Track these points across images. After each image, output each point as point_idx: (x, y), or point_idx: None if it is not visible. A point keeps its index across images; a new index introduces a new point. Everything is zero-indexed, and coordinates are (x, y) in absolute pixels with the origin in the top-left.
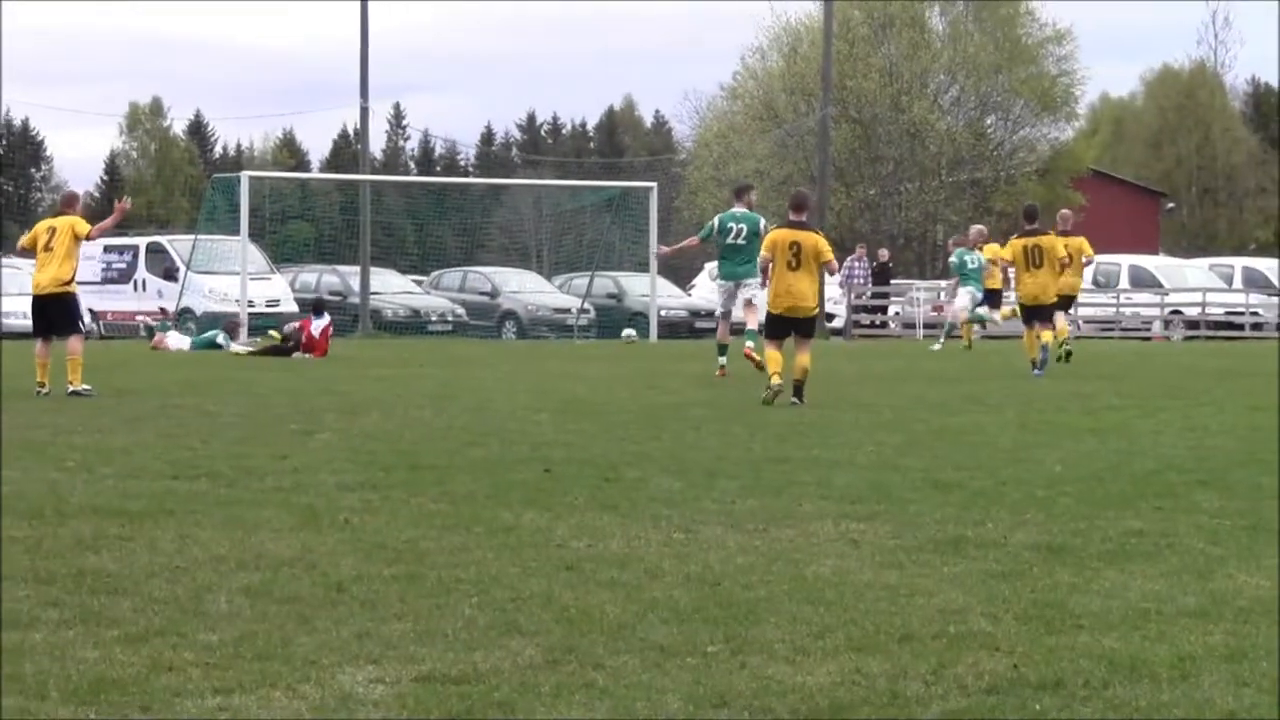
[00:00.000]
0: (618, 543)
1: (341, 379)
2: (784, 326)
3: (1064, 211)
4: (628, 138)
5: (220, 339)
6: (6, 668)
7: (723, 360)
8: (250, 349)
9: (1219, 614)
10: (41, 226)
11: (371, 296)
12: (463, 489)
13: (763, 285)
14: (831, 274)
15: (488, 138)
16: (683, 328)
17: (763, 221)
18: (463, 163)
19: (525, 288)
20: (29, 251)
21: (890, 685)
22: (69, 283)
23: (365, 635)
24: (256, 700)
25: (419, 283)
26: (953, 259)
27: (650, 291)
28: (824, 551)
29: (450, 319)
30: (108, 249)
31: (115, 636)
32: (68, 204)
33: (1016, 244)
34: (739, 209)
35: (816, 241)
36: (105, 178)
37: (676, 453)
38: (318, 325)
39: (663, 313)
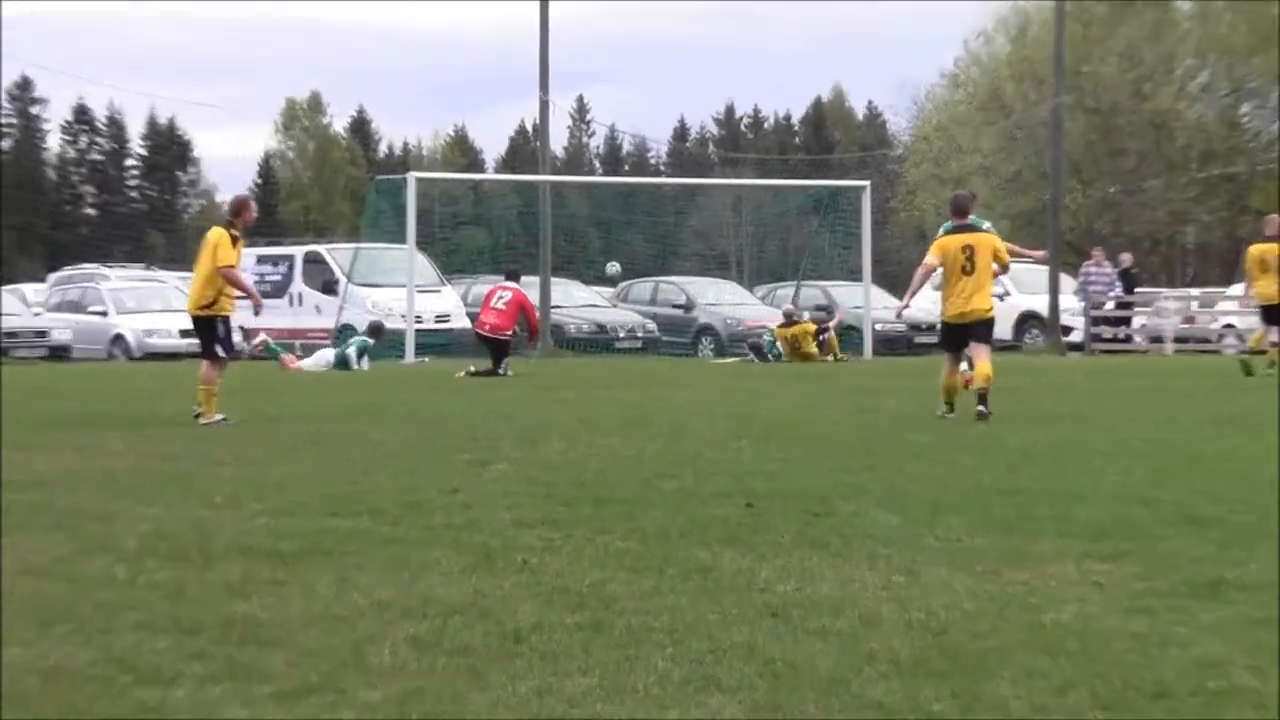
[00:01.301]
0: (829, 586)
1: (519, 402)
2: (961, 335)
3: (1270, 216)
4: (837, 132)
5: (352, 352)
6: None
7: (964, 365)
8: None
9: None
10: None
11: (553, 310)
12: (654, 526)
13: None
14: (1005, 269)
15: (681, 133)
16: (901, 343)
17: (987, 225)
18: (653, 161)
19: (723, 299)
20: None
21: None
22: (207, 306)
23: (546, 691)
24: None
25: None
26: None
27: (864, 303)
28: (1064, 596)
29: (640, 335)
30: (261, 259)
31: (267, 694)
32: (236, 211)
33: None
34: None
35: (991, 241)
36: (259, 181)
37: (895, 483)
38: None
39: (878, 326)
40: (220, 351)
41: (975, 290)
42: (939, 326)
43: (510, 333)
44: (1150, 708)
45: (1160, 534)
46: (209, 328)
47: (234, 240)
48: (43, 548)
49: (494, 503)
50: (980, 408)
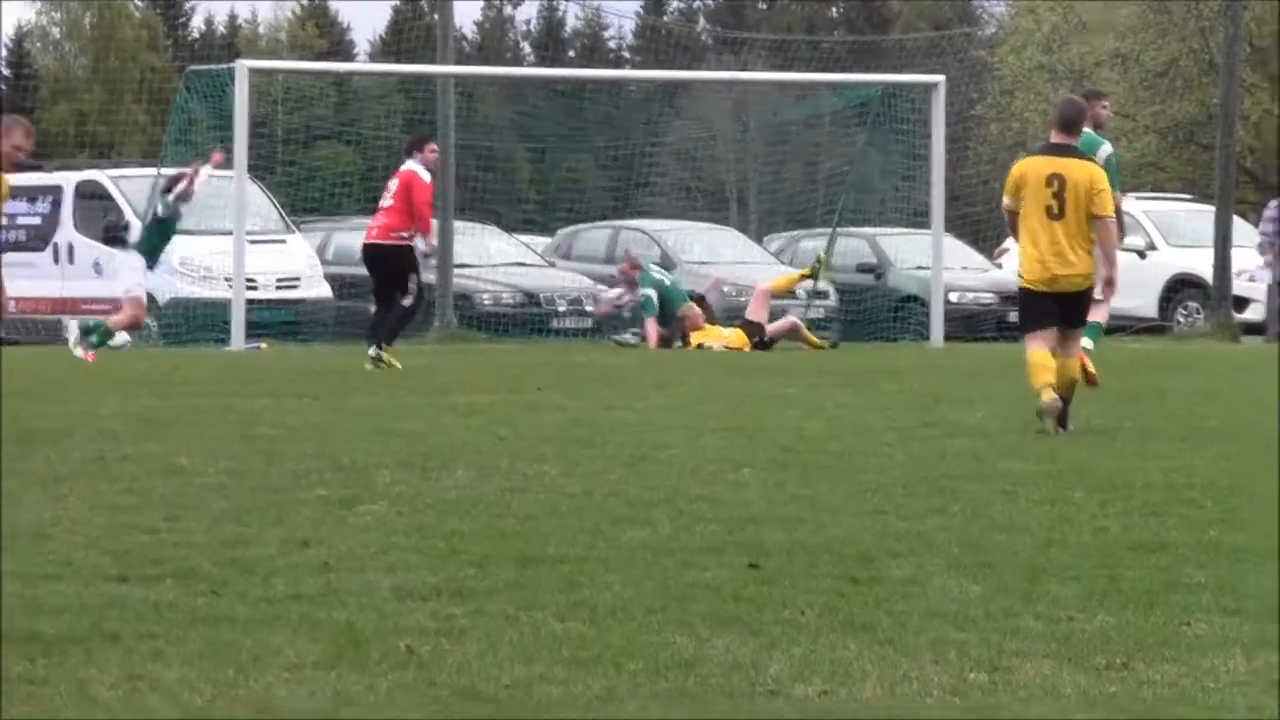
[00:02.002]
0: (874, 688)
1: (405, 411)
2: (1046, 309)
3: None
4: (895, 0)
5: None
6: None
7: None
8: None
9: None
10: None
11: (457, 272)
12: (609, 597)
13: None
14: (1106, 240)
15: (656, 3)
16: (988, 321)
17: (1106, 151)
18: (614, 44)
19: (720, 256)
20: None
21: None
22: None
23: None
24: None
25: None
26: None
27: (934, 262)
28: (1229, 703)
29: (590, 309)
30: (14, 192)
31: None
32: None
33: None
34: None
35: (1091, 176)
36: (7, 71)
37: (973, 535)
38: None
39: (954, 297)
40: None
41: (1069, 243)
42: (1018, 293)
43: (403, 237)
44: None
45: None
46: None
47: None
48: None
49: (366, 562)
50: (1055, 424)
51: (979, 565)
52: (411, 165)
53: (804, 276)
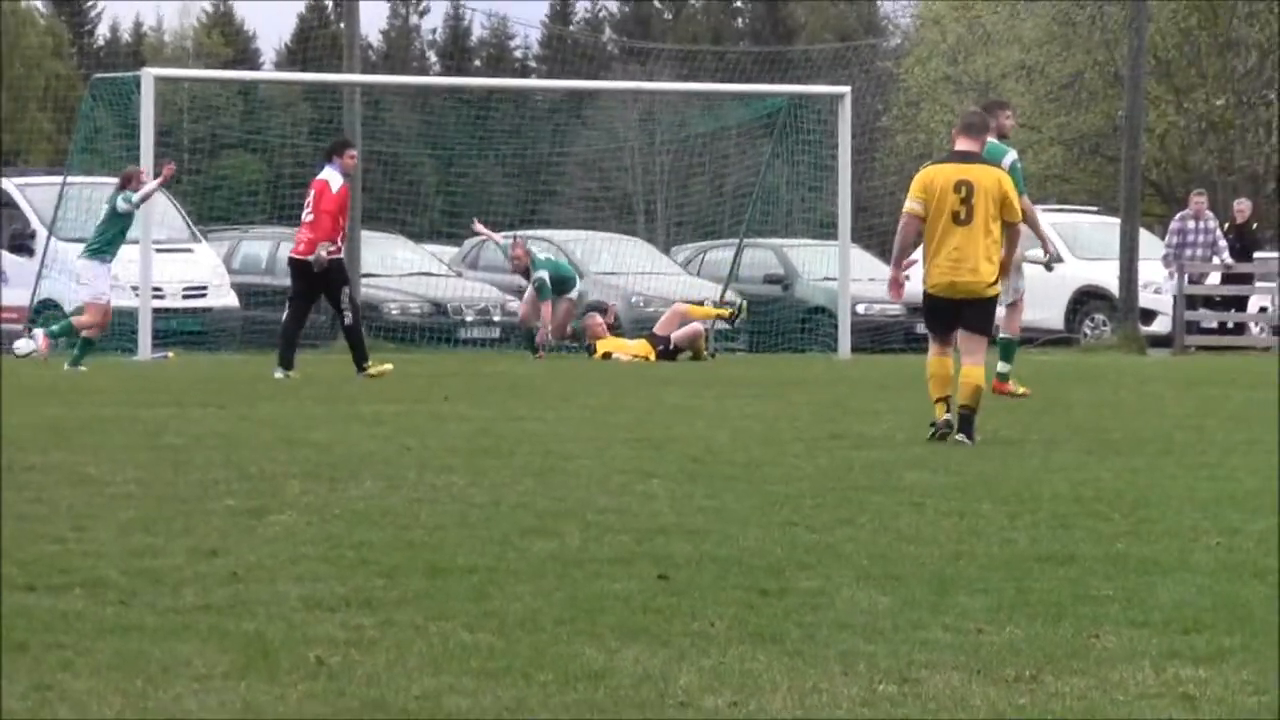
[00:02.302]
0: (783, 700)
1: (313, 421)
2: (948, 315)
3: None
4: (801, 11)
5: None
6: None
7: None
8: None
9: None
10: None
11: (364, 282)
12: (519, 608)
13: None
14: (1013, 241)
15: (562, 12)
16: (896, 333)
17: (1011, 158)
18: (519, 54)
19: (627, 266)
20: None
21: None
22: None
23: None
24: None
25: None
26: None
27: (841, 274)
28: (1138, 716)
29: (498, 319)
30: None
31: None
32: None
33: None
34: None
35: (999, 181)
36: None
37: (881, 547)
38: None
39: (861, 309)
40: None
41: (974, 249)
42: (923, 300)
43: (330, 250)
44: None
45: (1272, 622)
46: None
47: None
48: None
49: (275, 572)
50: (959, 435)
51: (888, 577)
52: (326, 173)
53: (720, 317)
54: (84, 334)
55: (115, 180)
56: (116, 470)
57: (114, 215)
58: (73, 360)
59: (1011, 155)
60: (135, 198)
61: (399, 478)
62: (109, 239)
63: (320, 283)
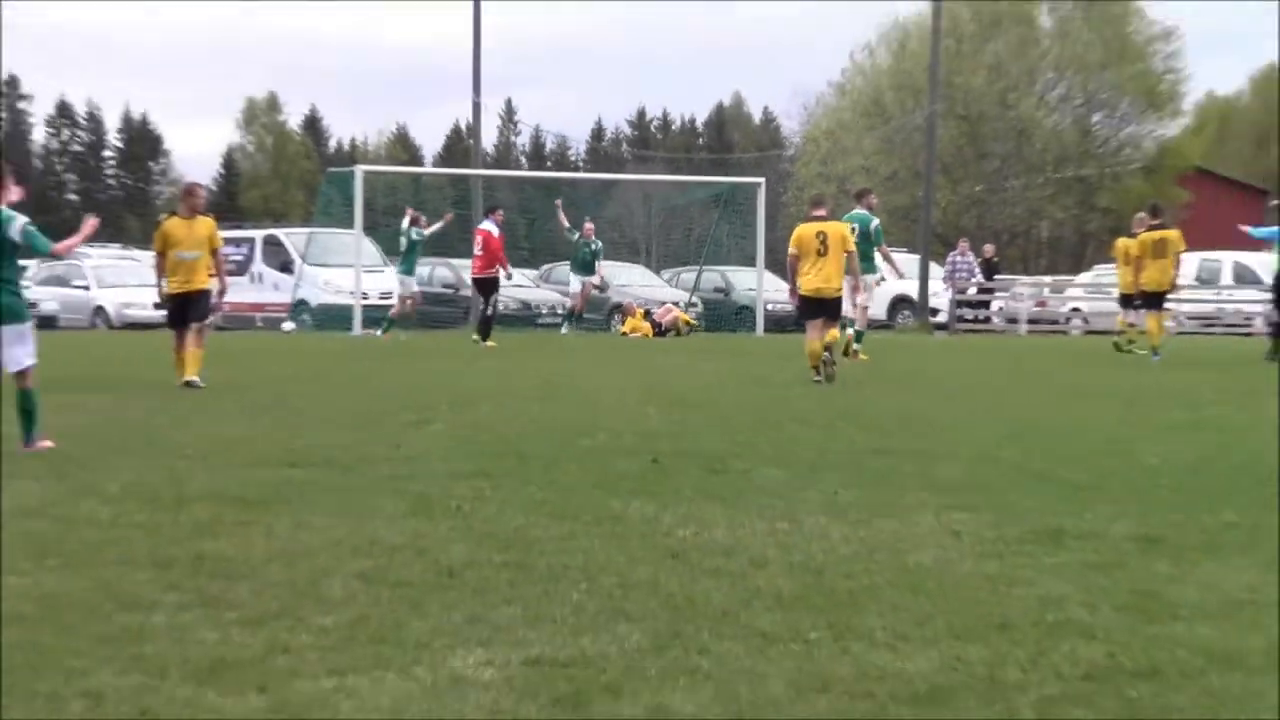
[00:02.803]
0: (723, 532)
1: (453, 372)
2: (815, 307)
3: (1139, 215)
4: (737, 134)
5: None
6: (128, 649)
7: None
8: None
9: None
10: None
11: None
12: (570, 479)
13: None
14: (853, 263)
15: (598, 133)
16: (789, 322)
17: (875, 222)
18: (573, 158)
19: (634, 282)
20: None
21: (989, 672)
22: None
23: (476, 620)
24: (370, 681)
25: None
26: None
27: (757, 286)
28: (925, 542)
29: (560, 312)
30: (226, 241)
31: (233, 619)
32: (187, 195)
33: (1146, 238)
34: (859, 210)
35: (841, 231)
36: (223, 171)
37: (782, 446)
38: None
39: (770, 307)
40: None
41: (829, 270)
42: (800, 300)
43: (491, 271)
44: (997, 638)
45: (1009, 489)
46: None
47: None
48: (36, 491)
49: (432, 457)
50: (827, 354)
51: (784, 463)
52: (486, 224)
53: (687, 323)
54: (390, 314)
55: (351, 232)
56: (343, 398)
57: (411, 245)
58: (384, 329)
59: (875, 220)
60: (426, 234)
61: (501, 404)
62: (411, 262)
63: (487, 289)
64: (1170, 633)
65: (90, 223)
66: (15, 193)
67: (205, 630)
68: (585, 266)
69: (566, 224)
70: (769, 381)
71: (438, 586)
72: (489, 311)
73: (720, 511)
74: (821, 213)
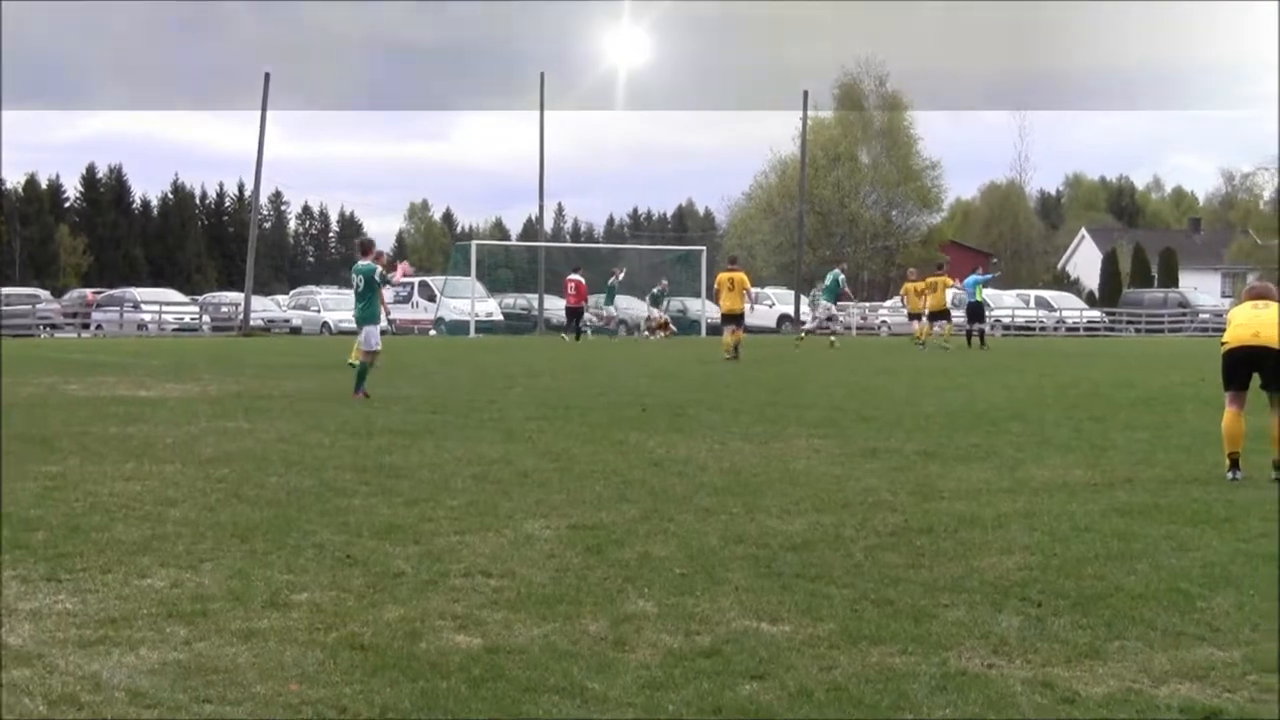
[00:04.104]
0: (682, 450)
1: (528, 358)
2: (727, 319)
3: (911, 270)
4: (689, 222)
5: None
6: (339, 518)
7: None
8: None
9: (1020, 491)
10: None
11: (546, 310)
12: (596, 420)
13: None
14: (748, 295)
15: (610, 222)
16: (717, 328)
17: (830, 276)
18: (596, 236)
19: (635, 307)
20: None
21: (836, 531)
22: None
23: (540, 502)
24: (479, 539)
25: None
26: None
27: (701, 309)
28: (800, 455)
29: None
30: (400, 285)
31: (399, 501)
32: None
33: (932, 279)
34: (732, 269)
35: (742, 277)
36: (395, 244)
37: (716, 399)
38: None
39: (708, 320)
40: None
41: (733, 299)
42: (721, 317)
43: (581, 303)
44: (841, 511)
45: (848, 425)
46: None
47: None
48: (286, 428)
49: (514, 407)
50: (735, 347)
51: (719, 410)
52: (576, 276)
53: (662, 325)
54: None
55: (468, 279)
56: (462, 374)
57: (610, 288)
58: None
59: (831, 275)
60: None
61: (557, 376)
62: (611, 295)
63: (578, 314)
64: (939, 507)
65: (404, 266)
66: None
67: (383, 508)
68: (612, 298)
69: (619, 276)
70: (708, 361)
71: (518, 483)
72: (579, 324)
73: (680, 438)
74: (734, 266)
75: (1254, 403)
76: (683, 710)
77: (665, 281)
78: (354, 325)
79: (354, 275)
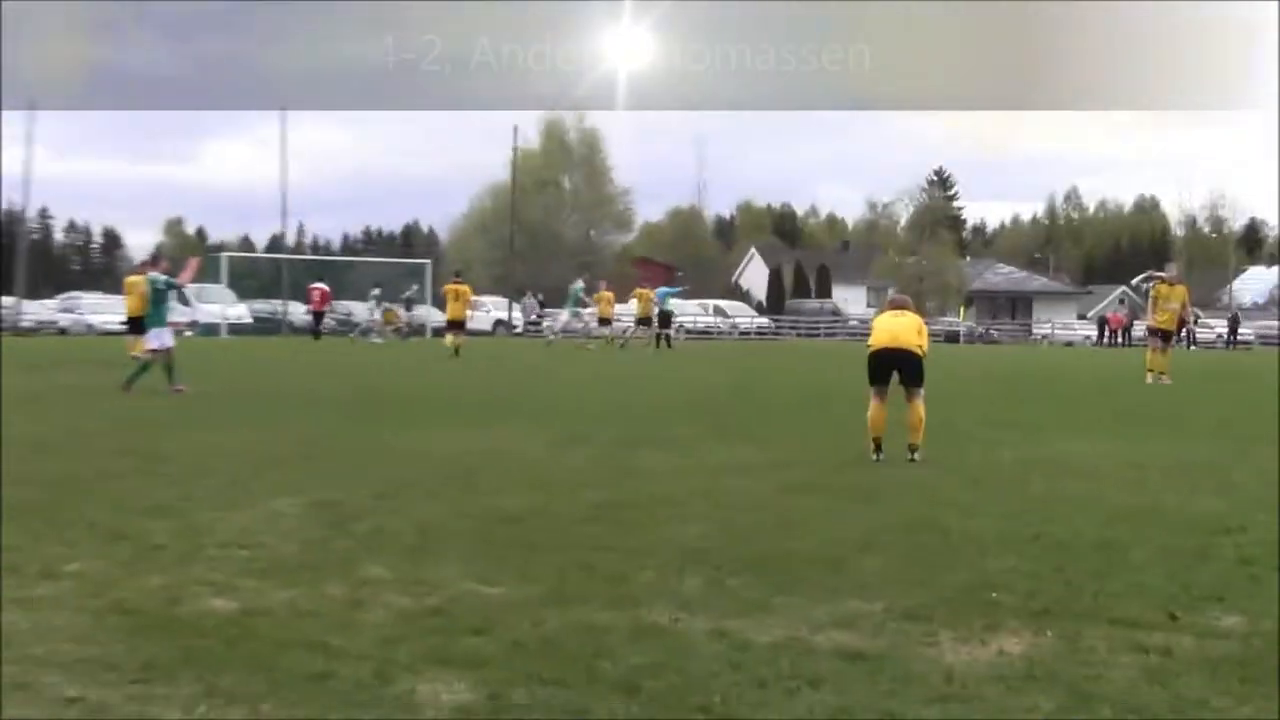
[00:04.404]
0: (414, 436)
1: (275, 354)
2: (453, 325)
3: (600, 282)
4: (414, 239)
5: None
6: (102, 499)
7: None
8: None
9: (702, 472)
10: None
11: (290, 315)
12: (336, 411)
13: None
14: (472, 306)
15: (345, 238)
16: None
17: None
18: (334, 250)
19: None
20: None
21: (545, 506)
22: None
23: (286, 482)
24: (233, 514)
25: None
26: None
27: (427, 314)
28: (515, 441)
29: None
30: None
31: (163, 482)
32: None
33: (638, 292)
34: (457, 282)
35: (467, 289)
36: (153, 254)
37: (442, 393)
38: None
39: (432, 324)
40: None
41: (457, 307)
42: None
43: (323, 308)
44: (550, 490)
45: (557, 417)
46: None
47: None
48: (64, 417)
49: (267, 399)
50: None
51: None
52: (319, 284)
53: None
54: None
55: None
56: (215, 371)
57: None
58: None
59: (577, 283)
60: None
61: (301, 373)
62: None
63: (318, 317)
64: (634, 486)
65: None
66: None
67: (149, 489)
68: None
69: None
70: (436, 360)
71: (268, 466)
72: (319, 326)
73: (413, 428)
74: (458, 279)
75: (893, 396)
76: (414, 661)
77: (416, 286)
78: (119, 328)
79: (148, 285)
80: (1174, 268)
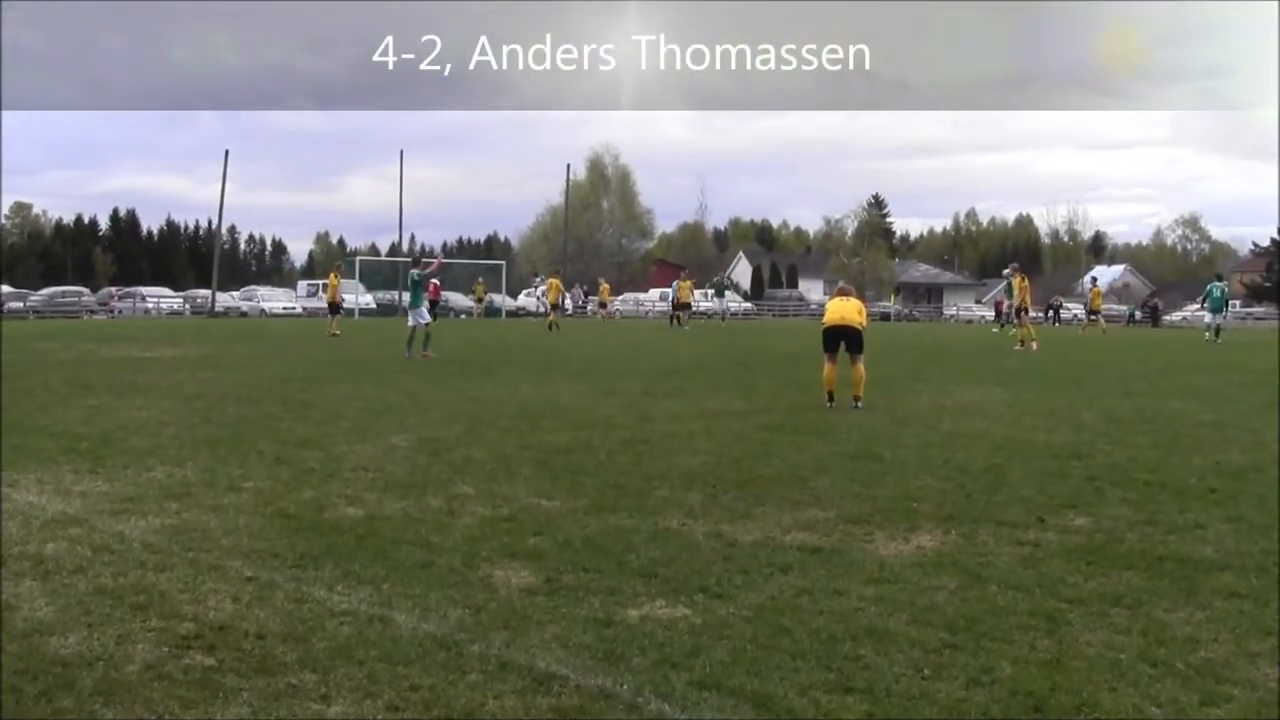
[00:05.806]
0: (489, 390)
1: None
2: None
3: (600, 279)
4: (494, 246)
5: None
6: (268, 434)
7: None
8: None
9: (702, 415)
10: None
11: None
12: (434, 372)
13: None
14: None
15: (444, 246)
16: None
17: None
18: (437, 255)
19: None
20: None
21: (587, 441)
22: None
23: (400, 424)
24: (361, 447)
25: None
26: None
27: (503, 301)
28: (564, 394)
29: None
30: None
31: (310, 423)
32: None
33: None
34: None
35: (557, 282)
36: (308, 259)
37: (513, 358)
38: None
39: (507, 309)
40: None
41: (552, 293)
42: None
43: (437, 296)
44: (590, 429)
45: (594, 375)
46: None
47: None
48: (237, 376)
49: (383, 363)
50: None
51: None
52: (434, 280)
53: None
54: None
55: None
56: (347, 345)
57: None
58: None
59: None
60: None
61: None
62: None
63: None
64: (652, 426)
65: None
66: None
67: (300, 428)
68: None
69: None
70: (520, 334)
71: (384, 412)
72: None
73: (490, 383)
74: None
75: (842, 360)
76: (492, 554)
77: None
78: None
79: (409, 278)
80: (1014, 266)
